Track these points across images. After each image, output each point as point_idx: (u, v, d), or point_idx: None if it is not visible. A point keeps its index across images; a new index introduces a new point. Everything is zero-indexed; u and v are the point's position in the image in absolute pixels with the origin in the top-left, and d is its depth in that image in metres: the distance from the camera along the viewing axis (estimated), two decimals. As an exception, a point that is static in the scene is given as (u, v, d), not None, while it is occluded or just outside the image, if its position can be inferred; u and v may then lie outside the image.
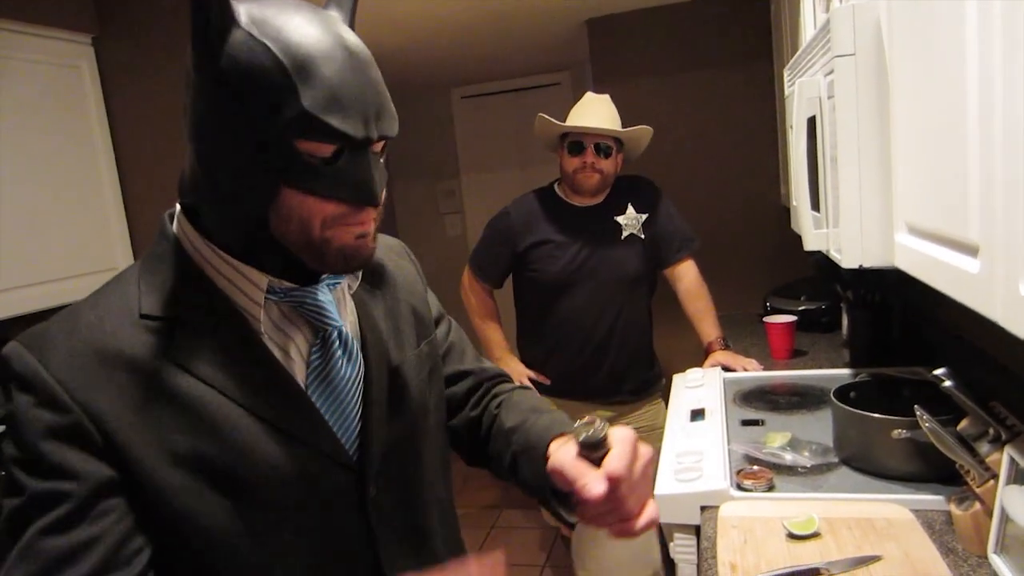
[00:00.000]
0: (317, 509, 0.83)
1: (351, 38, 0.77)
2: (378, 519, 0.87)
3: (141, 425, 0.74)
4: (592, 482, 0.74)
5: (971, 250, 0.80)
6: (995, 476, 1.12)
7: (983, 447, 1.17)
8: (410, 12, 2.66)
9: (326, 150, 0.74)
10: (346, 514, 0.85)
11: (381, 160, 0.80)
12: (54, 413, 0.72)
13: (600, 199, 2.37)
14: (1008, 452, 1.09)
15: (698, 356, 2.44)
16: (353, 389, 0.87)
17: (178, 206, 0.84)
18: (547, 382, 2.42)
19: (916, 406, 1.27)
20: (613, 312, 2.34)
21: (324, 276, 0.86)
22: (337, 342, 0.86)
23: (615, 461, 0.75)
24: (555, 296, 2.35)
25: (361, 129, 0.74)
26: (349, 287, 0.92)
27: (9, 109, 2.13)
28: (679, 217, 2.44)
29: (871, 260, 1.23)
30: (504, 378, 1.12)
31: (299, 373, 0.83)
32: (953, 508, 1.22)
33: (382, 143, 0.80)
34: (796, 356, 2.39)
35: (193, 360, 0.77)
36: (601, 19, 3.11)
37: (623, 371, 2.39)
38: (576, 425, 0.79)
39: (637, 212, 2.37)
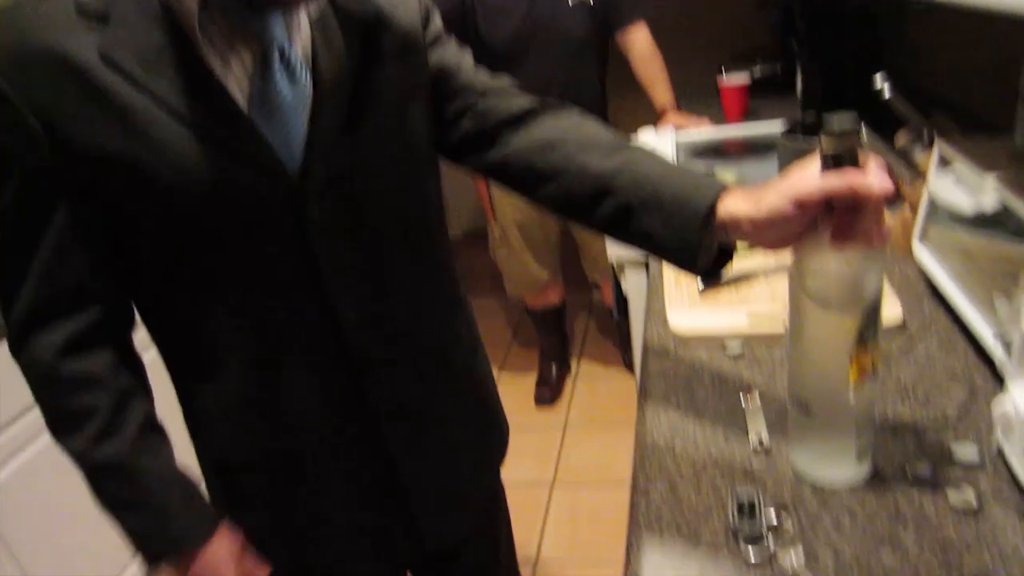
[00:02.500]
0: (256, 225, 0.82)
1: None
2: (323, 247, 0.85)
3: (75, 120, 0.75)
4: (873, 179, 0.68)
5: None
6: (924, 175, 1.18)
7: (916, 151, 1.21)
8: None
9: None
10: (287, 234, 0.83)
11: None
12: None
13: None
14: (937, 147, 1.13)
15: (653, 123, 2.44)
16: (297, 110, 0.85)
17: None
18: None
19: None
20: (563, 80, 2.30)
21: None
22: (278, 62, 0.84)
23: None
24: (502, 64, 2.29)
25: None
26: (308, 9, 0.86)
27: None
28: None
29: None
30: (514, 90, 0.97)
31: (239, 90, 0.82)
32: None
33: None
34: (749, 118, 2.41)
35: (127, 61, 0.76)
36: None
37: None
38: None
39: None
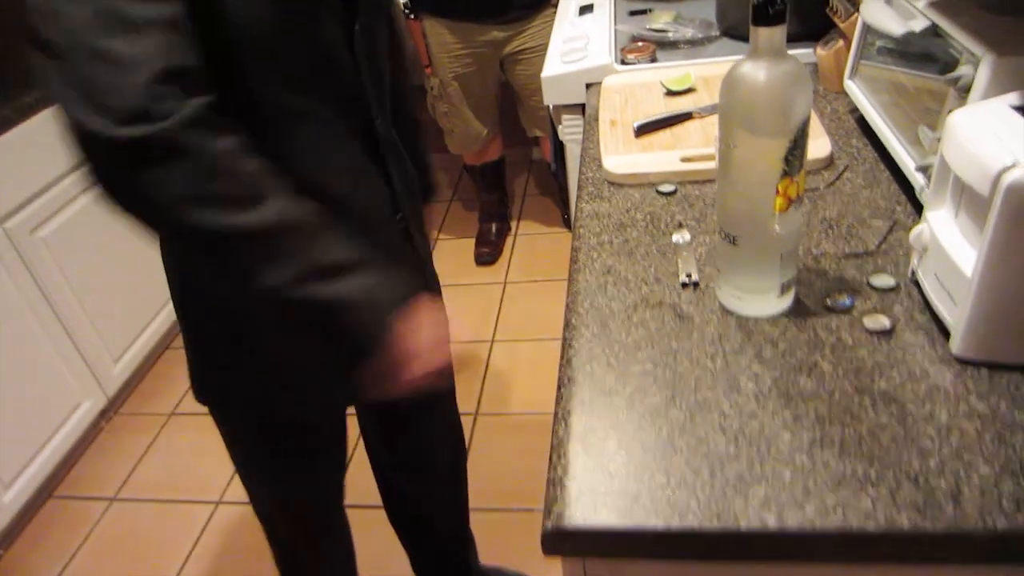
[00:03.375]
0: (318, 32, 0.85)
1: None
2: (361, 49, 0.91)
3: None
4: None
5: None
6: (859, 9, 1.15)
7: (853, -17, 1.18)
8: None
9: None
10: (340, 38, 0.88)
11: None
12: None
13: None
14: (874, -23, 1.10)
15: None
16: None
17: None
18: None
19: (794, -49, 1.25)
20: None
21: None
22: None
23: None
24: None
25: None
26: None
27: None
28: None
29: None
30: None
31: None
32: (818, 50, 1.26)
33: None
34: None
35: None
36: None
37: None
38: None
39: None
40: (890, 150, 1.01)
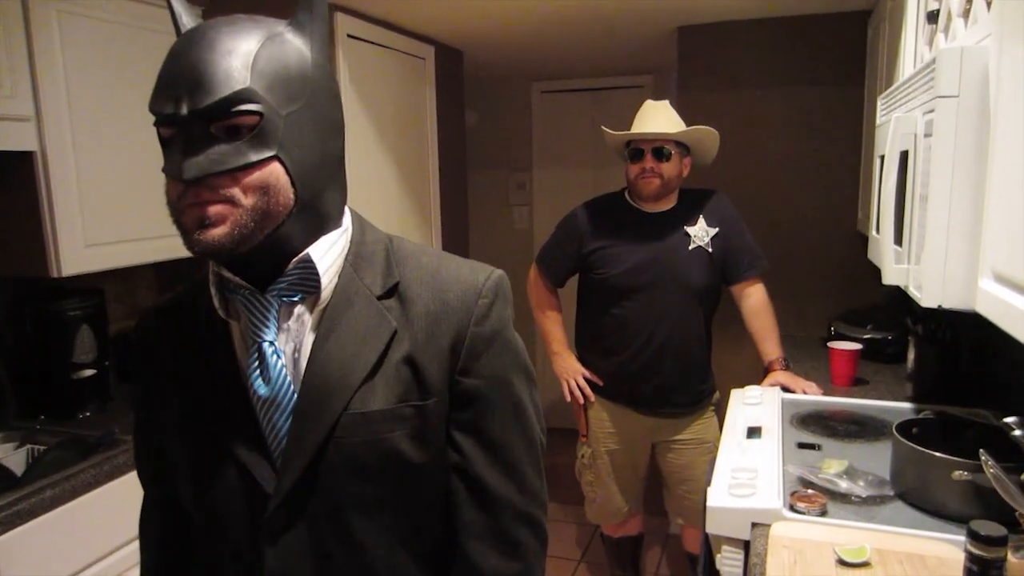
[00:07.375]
0: (227, 505, 0.88)
1: (207, 25, 0.79)
2: (272, 543, 0.86)
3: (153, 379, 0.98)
4: None
5: (1061, 307, 0.81)
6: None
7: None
8: (503, 5, 2.71)
9: (162, 132, 0.80)
10: (244, 522, 0.88)
11: (246, 138, 0.77)
12: None
13: (669, 206, 2.38)
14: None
15: (756, 374, 2.44)
16: (273, 409, 0.86)
17: None
18: (600, 383, 2.46)
19: (981, 450, 1.27)
20: (673, 321, 2.35)
21: (273, 287, 0.85)
22: (258, 359, 0.85)
23: None
24: (616, 299, 2.37)
25: (169, 107, 0.77)
26: (315, 313, 0.88)
27: (116, 74, 2.23)
28: (751, 236, 2.44)
29: (951, 302, 1.23)
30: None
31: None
32: (1009, 555, 1.22)
33: (238, 120, 0.77)
34: (858, 384, 2.38)
35: (184, 345, 0.94)
36: (693, 27, 3.11)
37: (677, 381, 2.41)
38: None
39: (708, 225, 2.37)
40: None
